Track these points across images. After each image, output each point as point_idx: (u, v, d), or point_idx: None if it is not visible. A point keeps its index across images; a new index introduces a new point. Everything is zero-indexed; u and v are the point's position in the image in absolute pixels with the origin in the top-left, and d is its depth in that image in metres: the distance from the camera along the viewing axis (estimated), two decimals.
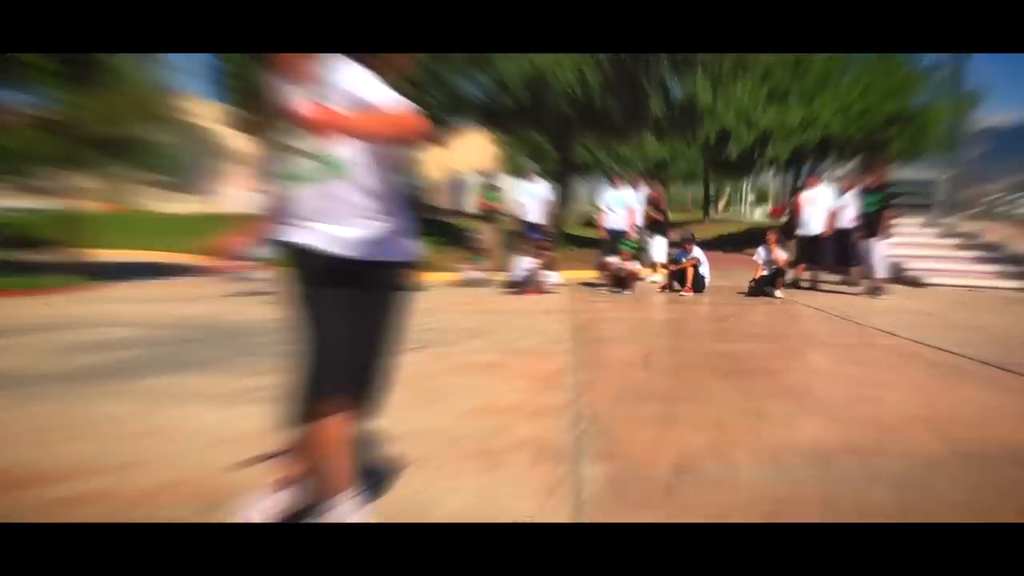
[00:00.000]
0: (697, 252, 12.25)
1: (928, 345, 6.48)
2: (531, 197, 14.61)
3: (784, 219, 13.03)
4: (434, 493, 2.99)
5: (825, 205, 12.86)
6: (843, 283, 12.62)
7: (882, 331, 7.39)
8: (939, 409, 4.31)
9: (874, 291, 11.47)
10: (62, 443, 3.68)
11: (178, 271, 17.42)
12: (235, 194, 56.88)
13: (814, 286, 12.65)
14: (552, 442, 3.63)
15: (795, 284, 12.68)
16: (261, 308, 9.60)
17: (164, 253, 24.85)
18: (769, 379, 5.17)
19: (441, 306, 9.74)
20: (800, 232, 12.97)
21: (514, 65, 15.83)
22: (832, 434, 3.79)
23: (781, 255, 11.89)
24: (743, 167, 25.80)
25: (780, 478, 3.16)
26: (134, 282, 14.55)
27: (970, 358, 5.86)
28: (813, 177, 13.80)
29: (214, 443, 3.64)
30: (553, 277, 12.78)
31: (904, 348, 6.41)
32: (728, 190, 57.68)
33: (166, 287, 14.03)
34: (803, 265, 12.93)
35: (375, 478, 3.07)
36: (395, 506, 2.85)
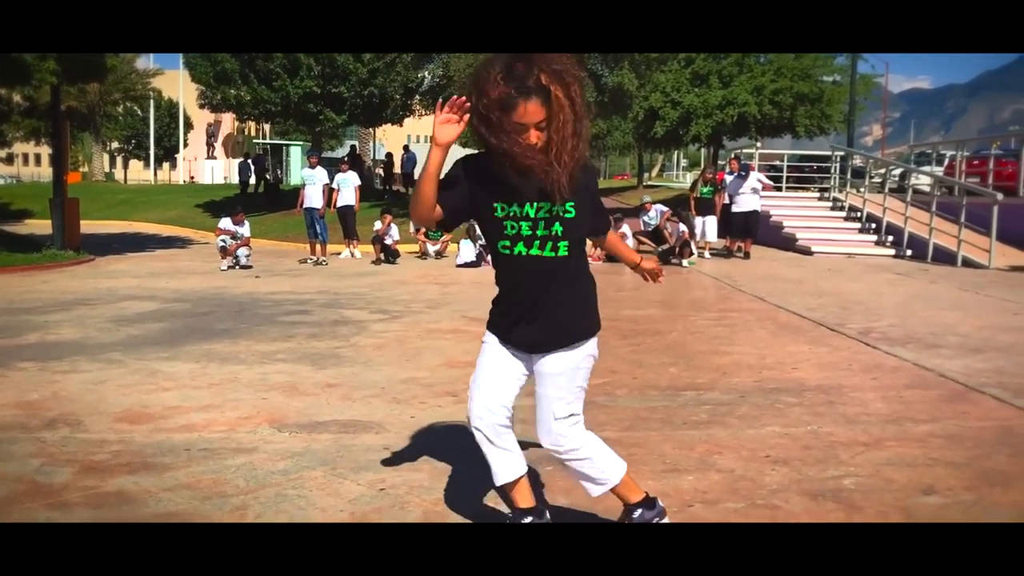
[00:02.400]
0: (625, 228, 14.48)
1: (785, 309, 8.43)
2: None
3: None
4: (422, 418, 4.69)
5: (752, 187, 15.17)
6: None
7: (755, 297, 9.37)
8: (765, 359, 6.19)
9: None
10: (155, 393, 5.28)
11: (153, 242, 18.58)
12: (198, 165, 57.15)
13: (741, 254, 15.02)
14: None
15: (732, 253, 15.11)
16: (252, 282, 11.26)
17: (132, 223, 25.72)
18: (656, 338, 7.03)
19: (407, 279, 11.55)
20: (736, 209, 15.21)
21: (459, 59, 17.46)
22: (684, 376, 5.64)
23: (683, 228, 14.17)
24: (670, 142, 27.93)
25: (642, 404, 4.96)
26: (118, 256, 15.79)
27: (812, 320, 7.80)
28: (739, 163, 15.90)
29: (263, 390, 5.32)
30: None
31: (765, 312, 8.36)
32: (661, 158, 60.75)
33: (151, 260, 15.32)
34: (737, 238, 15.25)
35: (381, 412, 4.82)
36: (399, 428, 4.58)
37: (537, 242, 2.60)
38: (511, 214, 2.59)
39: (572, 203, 2.59)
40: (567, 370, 2.74)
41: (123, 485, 3.52)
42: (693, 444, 4.10)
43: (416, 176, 21.79)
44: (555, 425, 2.74)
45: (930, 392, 5.18)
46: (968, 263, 13.21)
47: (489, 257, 14.60)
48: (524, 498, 2.86)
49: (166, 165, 63.21)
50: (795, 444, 4.09)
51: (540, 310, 2.69)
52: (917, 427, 4.39)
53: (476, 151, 2.68)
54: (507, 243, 2.63)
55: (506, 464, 2.82)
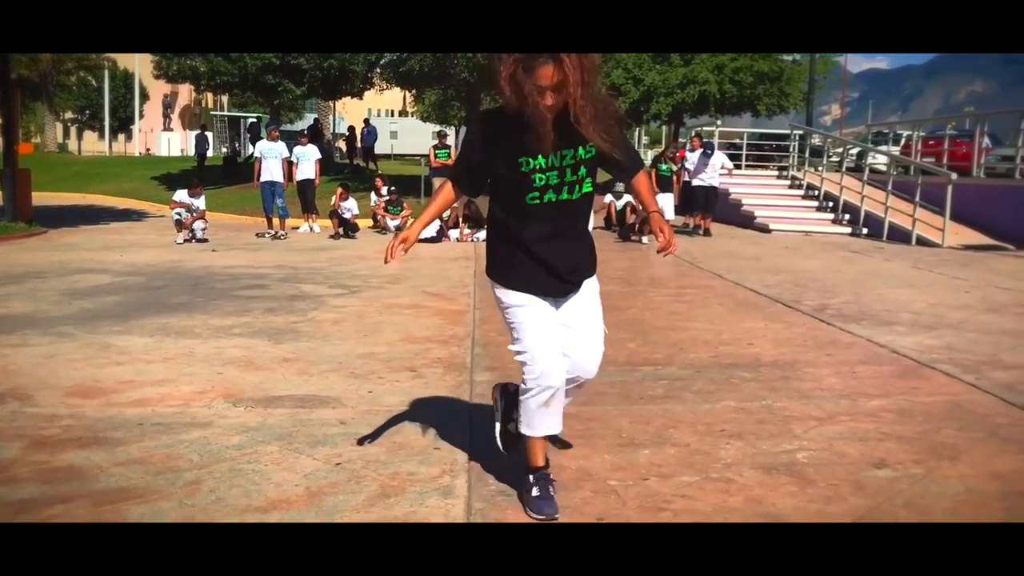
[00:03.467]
0: None
1: (742, 286, 8.51)
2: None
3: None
4: (380, 393, 4.68)
5: (719, 164, 15.20)
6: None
7: (713, 274, 9.44)
8: (721, 335, 6.24)
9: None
10: (108, 367, 5.21)
11: (108, 215, 18.20)
12: (154, 136, 56.02)
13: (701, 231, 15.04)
14: (456, 359, 5.40)
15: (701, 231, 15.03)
16: (208, 256, 11.10)
17: (86, 195, 25.19)
18: (615, 314, 7.04)
19: (366, 254, 11.46)
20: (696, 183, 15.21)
21: None
22: (641, 352, 5.67)
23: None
24: (632, 119, 27.98)
25: (600, 379, 4.90)
26: (71, 228, 15.48)
27: (768, 296, 7.88)
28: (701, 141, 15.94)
29: (219, 365, 5.26)
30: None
31: (722, 288, 8.43)
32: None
33: (105, 233, 15.04)
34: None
35: (338, 387, 4.80)
36: (356, 402, 4.56)
37: (566, 187, 2.85)
38: (537, 166, 2.81)
39: (591, 144, 2.80)
40: (595, 295, 3.08)
41: (73, 460, 3.47)
42: (649, 418, 4.13)
43: (371, 147, 21.02)
44: (601, 347, 3.05)
45: (883, 368, 5.27)
46: (922, 242, 13.43)
47: (450, 232, 14.55)
48: (541, 455, 3.08)
49: (121, 136, 61.84)
50: (750, 418, 4.14)
51: (567, 249, 2.95)
52: (869, 402, 4.46)
53: (484, 114, 3.03)
54: (536, 195, 2.85)
55: (551, 420, 3.02)
